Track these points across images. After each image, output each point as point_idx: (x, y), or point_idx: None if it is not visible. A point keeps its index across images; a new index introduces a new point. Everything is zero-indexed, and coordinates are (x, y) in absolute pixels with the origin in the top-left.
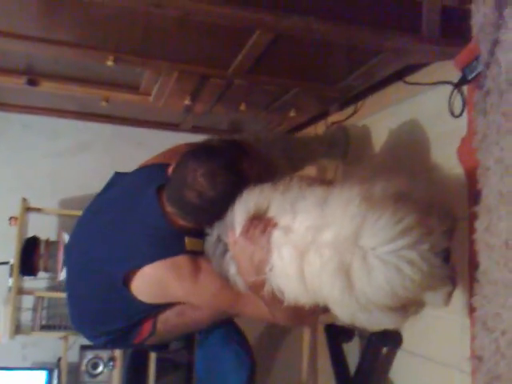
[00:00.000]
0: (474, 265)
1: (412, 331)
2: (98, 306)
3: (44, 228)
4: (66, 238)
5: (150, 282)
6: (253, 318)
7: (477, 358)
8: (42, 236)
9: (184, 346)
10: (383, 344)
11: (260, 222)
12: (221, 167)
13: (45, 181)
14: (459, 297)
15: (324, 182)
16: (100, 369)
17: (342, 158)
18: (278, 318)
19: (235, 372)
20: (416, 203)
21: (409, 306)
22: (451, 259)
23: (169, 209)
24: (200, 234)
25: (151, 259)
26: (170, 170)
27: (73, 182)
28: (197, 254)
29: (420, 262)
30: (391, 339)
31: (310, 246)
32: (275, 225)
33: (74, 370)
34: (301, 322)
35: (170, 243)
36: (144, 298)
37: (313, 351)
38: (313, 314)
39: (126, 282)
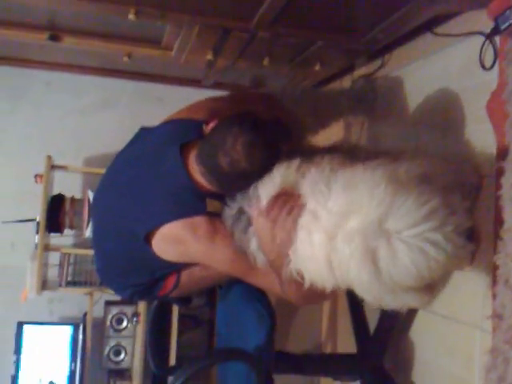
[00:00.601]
0: (499, 222)
1: None
2: (122, 260)
3: (69, 186)
4: (90, 195)
5: (169, 241)
6: (263, 288)
7: (497, 317)
8: (67, 193)
9: (206, 303)
10: None
11: (286, 200)
12: (263, 143)
13: (69, 138)
14: (483, 256)
15: (353, 154)
16: (124, 324)
17: (368, 114)
18: (291, 297)
19: (255, 329)
20: (440, 182)
21: (434, 286)
22: (474, 237)
23: (194, 167)
24: (221, 197)
25: (170, 218)
26: (209, 127)
27: (96, 140)
28: (216, 217)
29: (444, 244)
30: None
31: (338, 232)
32: (301, 206)
33: (98, 324)
34: (312, 302)
35: (190, 203)
36: (165, 257)
37: (333, 310)
38: (327, 295)
39: (148, 239)
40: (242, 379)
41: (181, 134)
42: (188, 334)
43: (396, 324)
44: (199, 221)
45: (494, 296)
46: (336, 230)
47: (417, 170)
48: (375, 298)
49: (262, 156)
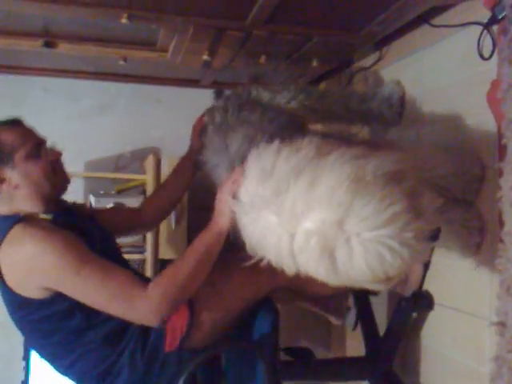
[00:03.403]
0: (501, 224)
1: (441, 283)
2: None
3: (70, 191)
4: (92, 200)
5: (10, 267)
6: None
7: (501, 324)
8: (69, 199)
9: None
10: (413, 310)
11: None
12: None
13: (69, 143)
14: (488, 248)
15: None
16: None
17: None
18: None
19: (260, 317)
20: (409, 181)
21: (391, 279)
22: (439, 237)
23: None
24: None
25: None
26: None
27: (96, 144)
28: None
29: (401, 250)
30: (421, 304)
31: (298, 230)
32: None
33: None
34: None
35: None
36: (31, 294)
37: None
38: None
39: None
40: (249, 366)
41: None
42: None
43: (406, 328)
44: (15, 230)
45: (499, 299)
46: (296, 228)
47: (387, 167)
48: (334, 284)
49: None
